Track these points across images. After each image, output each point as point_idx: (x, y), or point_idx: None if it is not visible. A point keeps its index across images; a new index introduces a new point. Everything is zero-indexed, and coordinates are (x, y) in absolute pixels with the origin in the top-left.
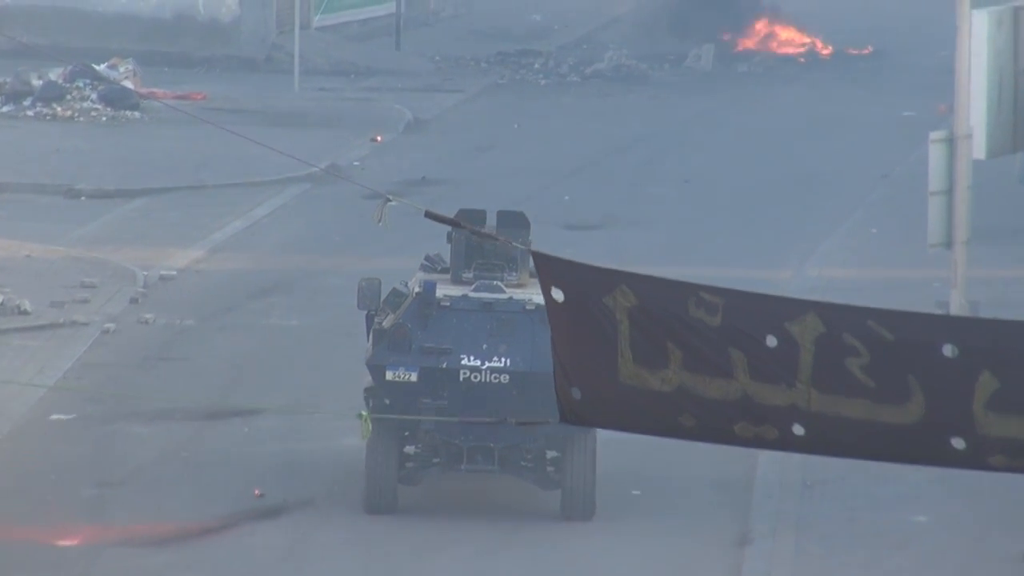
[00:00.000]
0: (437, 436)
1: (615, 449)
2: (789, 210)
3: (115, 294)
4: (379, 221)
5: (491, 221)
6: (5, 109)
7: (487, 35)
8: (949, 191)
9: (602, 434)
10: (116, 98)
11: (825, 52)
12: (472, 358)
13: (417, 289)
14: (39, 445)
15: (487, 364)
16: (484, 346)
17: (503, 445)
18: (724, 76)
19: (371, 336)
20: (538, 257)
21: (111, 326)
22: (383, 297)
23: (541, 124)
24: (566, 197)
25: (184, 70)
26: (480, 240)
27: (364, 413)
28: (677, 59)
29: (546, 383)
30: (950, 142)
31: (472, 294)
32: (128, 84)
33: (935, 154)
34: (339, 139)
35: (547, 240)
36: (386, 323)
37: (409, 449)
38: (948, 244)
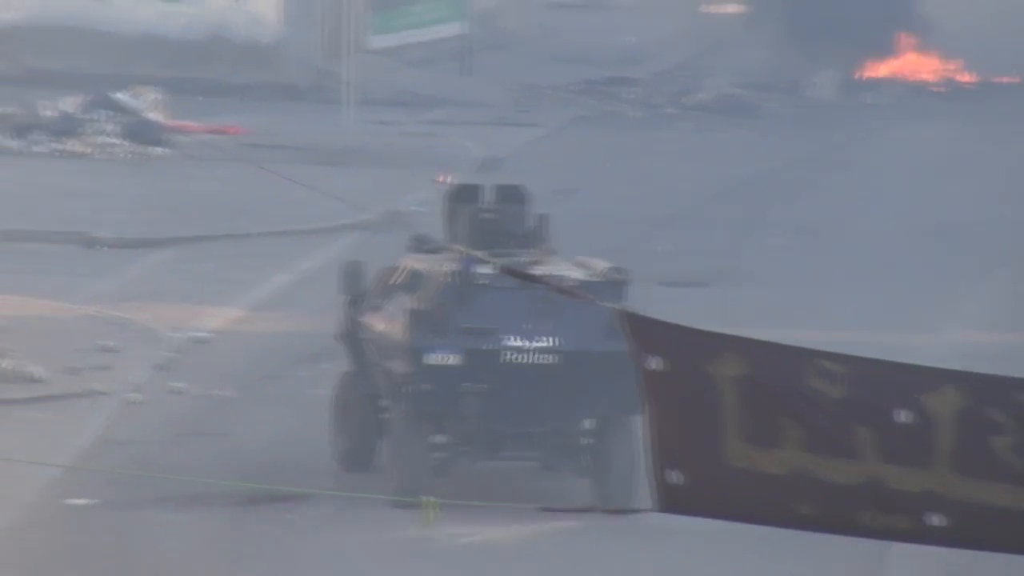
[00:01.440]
0: (477, 422)
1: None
2: (924, 264)
3: (140, 359)
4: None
5: (489, 200)
6: (13, 144)
7: (571, 60)
8: None
9: None
10: (140, 132)
11: (969, 80)
12: (516, 338)
13: (451, 267)
14: (52, 535)
15: (533, 344)
16: (528, 325)
17: (544, 430)
18: (847, 107)
19: (345, 316)
20: (632, 319)
21: (135, 396)
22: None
23: (634, 164)
24: (663, 248)
25: (218, 99)
26: (567, 296)
27: (428, 498)
28: (792, 87)
29: (596, 363)
30: None
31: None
32: (153, 116)
33: None
34: (398, 180)
35: (641, 299)
36: (416, 303)
37: (439, 439)
38: None
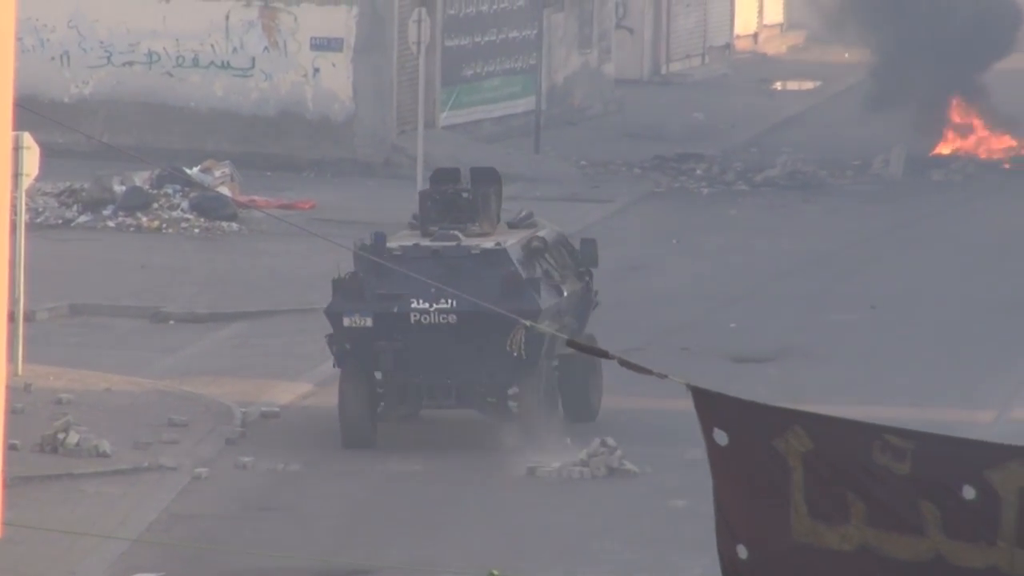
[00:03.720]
0: (397, 376)
1: None
2: (993, 341)
3: (208, 434)
4: (514, 349)
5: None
6: (83, 219)
7: (641, 136)
8: None
9: None
10: (210, 207)
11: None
12: (421, 301)
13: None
14: None
15: (435, 306)
16: (432, 290)
17: (459, 381)
18: (917, 184)
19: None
20: (698, 393)
21: (203, 471)
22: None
23: (704, 239)
24: (732, 325)
25: (290, 174)
26: (626, 367)
27: (495, 571)
28: (862, 164)
29: (491, 322)
30: None
31: (423, 243)
32: (224, 190)
33: None
34: None
35: (710, 374)
36: (338, 273)
37: (365, 392)
38: None
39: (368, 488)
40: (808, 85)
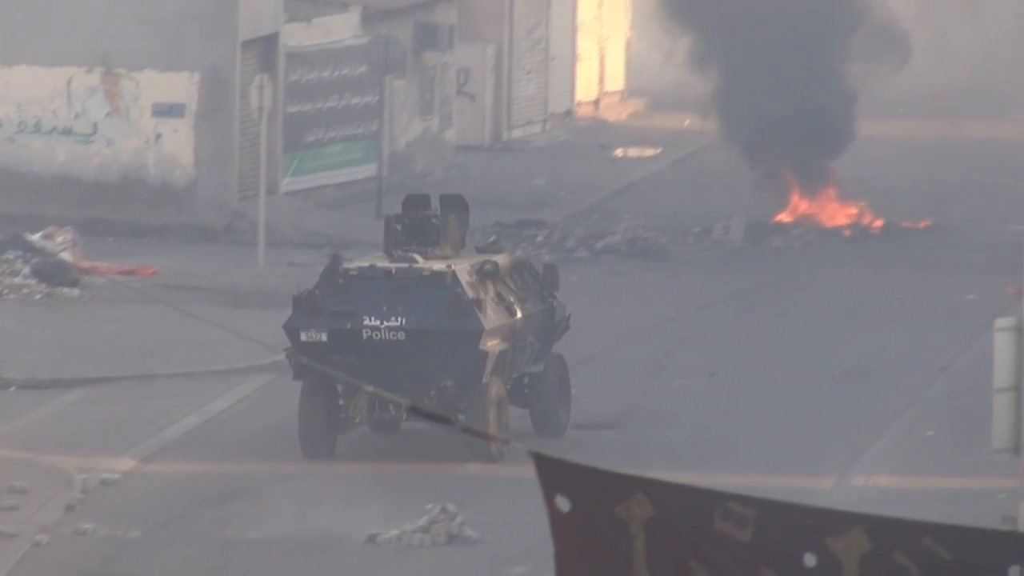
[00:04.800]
0: (347, 389)
1: None
2: (832, 408)
3: (48, 501)
4: (356, 415)
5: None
6: None
7: (482, 202)
8: (1017, 388)
9: None
10: (52, 273)
11: (875, 224)
12: (373, 319)
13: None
14: None
15: (385, 323)
16: (384, 308)
17: (407, 395)
18: (757, 251)
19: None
20: (540, 459)
21: (43, 538)
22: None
23: None
24: (573, 390)
25: (131, 240)
26: (469, 433)
27: None
28: (703, 231)
29: (436, 340)
30: (1019, 330)
31: (378, 264)
32: (66, 256)
33: (1002, 344)
34: None
35: (552, 442)
36: (297, 291)
37: (319, 405)
38: (1016, 449)
39: (208, 556)
40: (649, 152)
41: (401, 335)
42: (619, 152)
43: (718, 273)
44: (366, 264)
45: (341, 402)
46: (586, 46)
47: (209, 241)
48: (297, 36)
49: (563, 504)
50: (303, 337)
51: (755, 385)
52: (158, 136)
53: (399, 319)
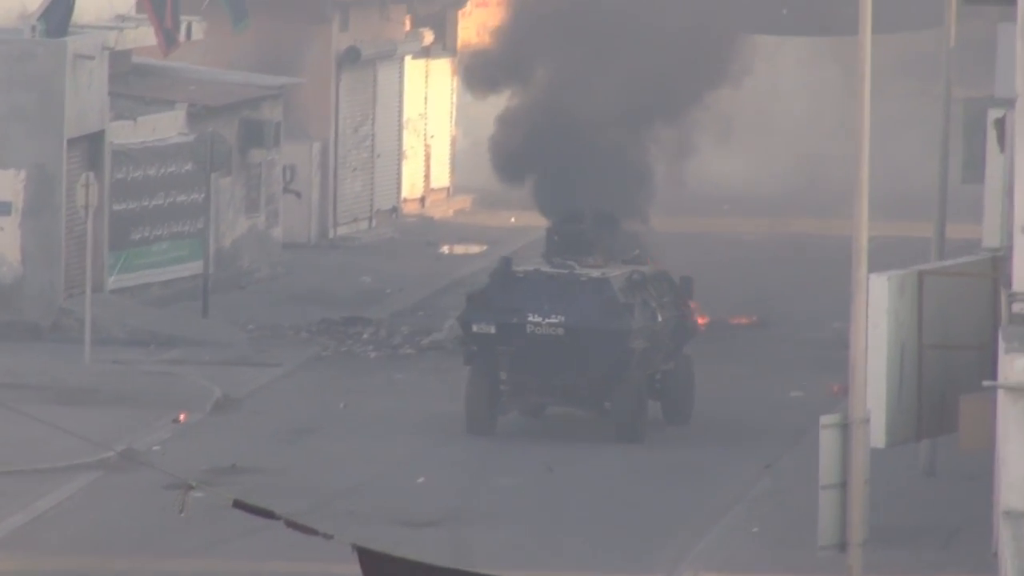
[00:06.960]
0: (510, 375)
1: None
2: (659, 504)
3: None
4: (182, 511)
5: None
6: None
7: (309, 300)
8: (843, 484)
9: None
10: None
11: (701, 321)
12: (536, 315)
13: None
14: None
15: (547, 320)
16: (546, 306)
17: (563, 383)
18: None
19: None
20: (363, 554)
21: None
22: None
23: (371, 403)
24: (421, 480)
25: None
26: (292, 529)
27: None
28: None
29: (590, 336)
30: (844, 427)
31: (542, 268)
32: None
33: (827, 441)
34: (136, 419)
35: (380, 537)
36: (471, 290)
37: (486, 387)
38: (842, 546)
39: None
40: (475, 249)
41: (560, 330)
42: (445, 249)
43: None
44: (531, 268)
45: (503, 387)
46: (412, 143)
47: (35, 339)
48: (123, 134)
49: None
50: (474, 328)
51: (584, 481)
52: None
53: (559, 316)
